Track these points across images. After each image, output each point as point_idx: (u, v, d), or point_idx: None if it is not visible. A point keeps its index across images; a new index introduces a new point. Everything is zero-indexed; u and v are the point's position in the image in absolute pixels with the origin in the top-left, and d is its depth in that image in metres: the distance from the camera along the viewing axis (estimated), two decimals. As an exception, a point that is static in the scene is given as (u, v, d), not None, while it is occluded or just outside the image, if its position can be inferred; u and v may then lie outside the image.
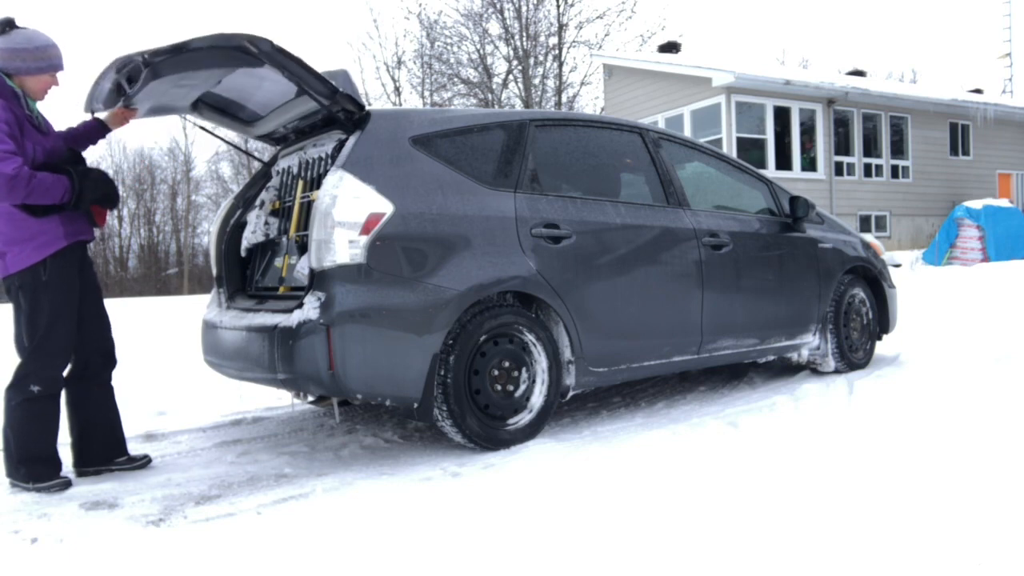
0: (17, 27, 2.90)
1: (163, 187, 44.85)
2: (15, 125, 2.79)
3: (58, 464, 2.97)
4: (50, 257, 2.88)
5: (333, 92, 3.05)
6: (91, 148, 3.27)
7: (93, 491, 2.90)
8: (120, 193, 3.15)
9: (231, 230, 3.84)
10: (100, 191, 2.96)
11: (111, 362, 3.21)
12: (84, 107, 3.37)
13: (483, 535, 2.21)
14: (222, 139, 4.07)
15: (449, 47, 24.96)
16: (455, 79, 25.16)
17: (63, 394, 3.07)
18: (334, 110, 3.11)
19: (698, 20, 53.27)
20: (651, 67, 16.67)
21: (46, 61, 2.90)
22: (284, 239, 3.62)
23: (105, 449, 3.18)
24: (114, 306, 3.35)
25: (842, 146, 16.00)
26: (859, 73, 20.65)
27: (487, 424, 3.22)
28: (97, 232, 3.14)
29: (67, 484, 2.94)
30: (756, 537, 2.09)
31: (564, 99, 25.10)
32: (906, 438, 3.03)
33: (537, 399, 3.36)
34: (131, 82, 3.06)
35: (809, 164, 15.58)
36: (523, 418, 3.33)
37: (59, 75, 2.99)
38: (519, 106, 24.09)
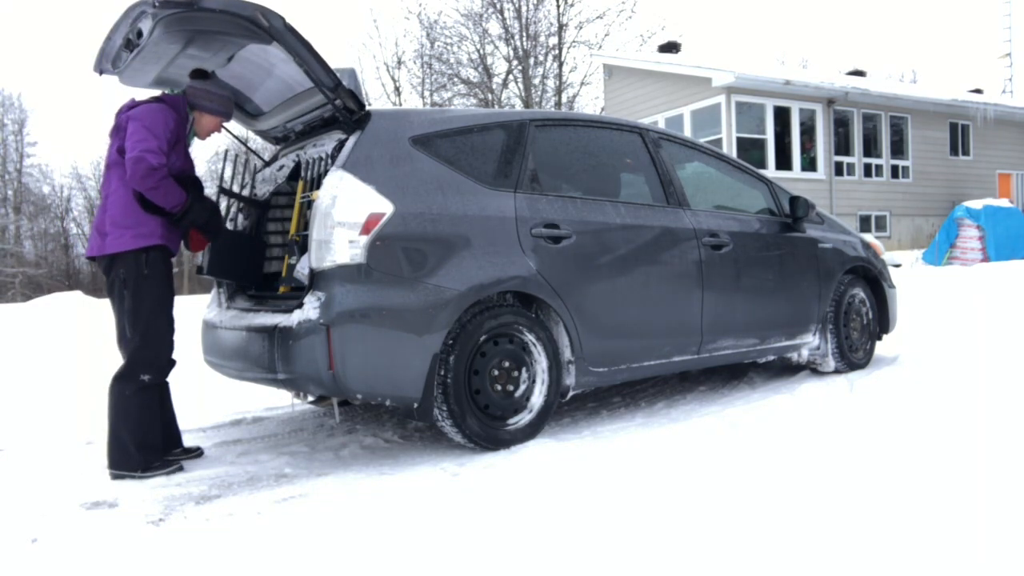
0: (211, 76, 3.38)
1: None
2: (174, 135, 3.14)
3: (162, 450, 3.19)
4: (151, 250, 3.09)
5: (336, 84, 3.05)
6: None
7: (93, 491, 2.89)
8: (222, 227, 3.43)
9: (231, 230, 3.84)
10: (202, 218, 3.22)
11: (172, 363, 3.33)
12: (93, 66, 3.40)
13: (483, 535, 2.21)
14: (228, 131, 4.06)
15: (449, 47, 24.99)
16: (455, 79, 25.17)
17: None
18: (335, 103, 3.11)
19: (698, 20, 53.27)
20: (651, 67, 16.67)
21: (224, 108, 3.35)
22: (284, 239, 3.62)
23: (166, 442, 3.32)
24: (114, 306, 3.34)
25: (842, 146, 16.00)
26: (859, 73, 20.64)
27: (487, 424, 3.22)
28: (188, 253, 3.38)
29: (180, 468, 3.14)
30: (756, 537, 2.09)
31: (564, 99, 25.10)
32: (906, 438, 3.03)
33: (537, 399, 3.36)
34: (140, 37, 3.12)
35: (809, 164, 15.58)
36: (523, 418, 3.33)
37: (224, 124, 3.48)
38: (519, 106, 24.08)
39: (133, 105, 3.18)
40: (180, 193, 3.10)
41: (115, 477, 3.03)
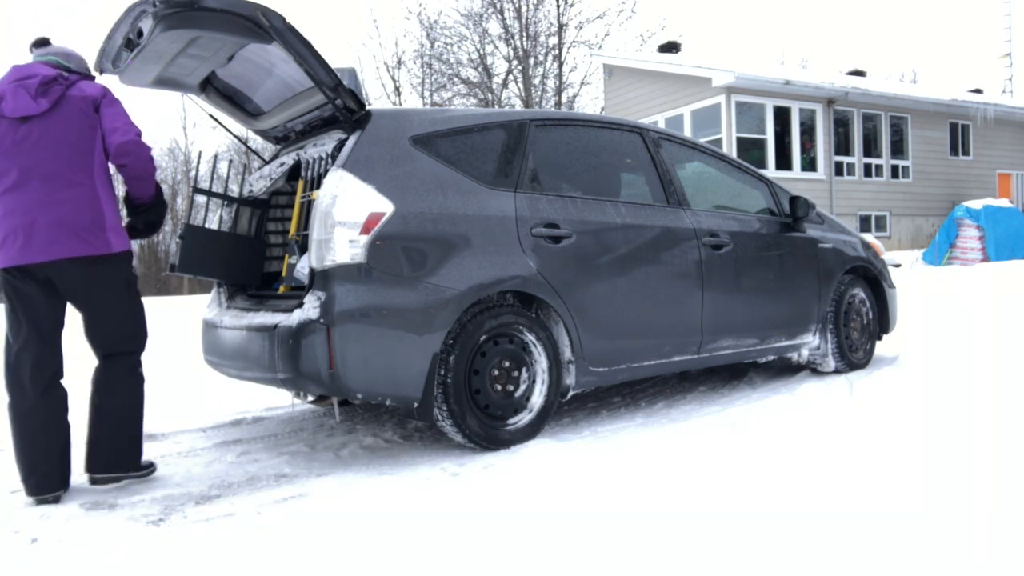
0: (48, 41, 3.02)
1: (163, 187, 44.93)
2: None
3: None
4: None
5: (336, 84, 3.05)
6: None
7: (93, 490, 2.89)
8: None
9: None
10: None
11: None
12: (94, 66, 3.38)
13: (483, 535, 2.21)
14: (228, 130, 4.07)
15: (449, 47, 24.98)
16: (455, 79, 25.17)
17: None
18: (335, 102, 3.11)
19: (698, 20, 53.25)
20: (651, 67, 16.68)
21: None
22: (284, 239, 3.62)
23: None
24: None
25: (842, 146, 16.00)
26: (859, 73, 20.63)
27: (487, 424, 3.22)
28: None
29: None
30: (756, 537, 2.08)
31: (564, 99, 25.10)
32: (906, 439, 3.03)
33: (537, 399, 3.36)
34: (141, 36, 3.11)
35: (809, 164, 15.58)
36: (523, 418, 3.33)
37: None
38: (519, 106, 24.08)
39: (57, 76, 2.76)
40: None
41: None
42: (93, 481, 2.90)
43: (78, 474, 3.08)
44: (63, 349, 2.88)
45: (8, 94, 2.69)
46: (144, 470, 3.00)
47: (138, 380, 2.97)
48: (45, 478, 2.72)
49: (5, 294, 2.72)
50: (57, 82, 2.73)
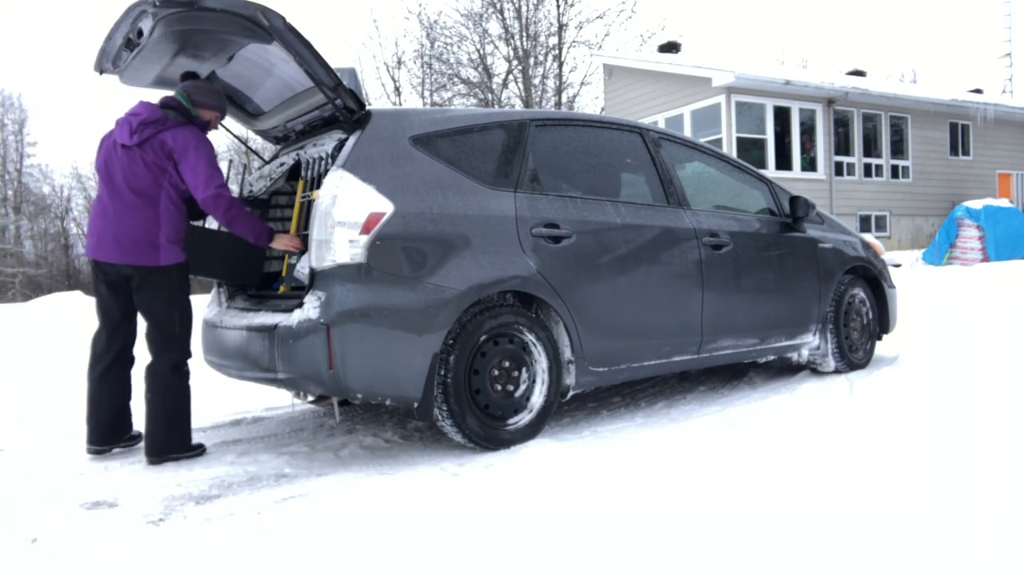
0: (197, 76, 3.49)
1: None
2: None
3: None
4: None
5: (336, 84, 3.05)
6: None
7: (93, 490, 2.90)
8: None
9: (231, 230, 3.83)
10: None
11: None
12: (94, 66, 3.41)
13: (483, 535, 2.21)
14: (228, 130, 4.06)
15: (449, 47, 25.00)
16: (455, 79, 25.18)
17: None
18: (335, 102, 3.11)
19: (698, 20, 53.29)
20: (651, 67, 16.68)
21: (222, 103, 3.47)
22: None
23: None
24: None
25: (842, 146, 16.00)
26: (859, 73, 20.64)
27: (487, 424, 3.22)
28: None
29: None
30: (756, 537, 2.08)
31: (564, 99, 25.11)
32: (906, 440, 3.03)
33: (537, 399, 3.36)
34: (141, 36, 3.14)
35: (809, 164, 15.58)
36: (523, 418, 3.33)
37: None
38: (519, 106, 24.08)
39: (159, 119, 3.19)
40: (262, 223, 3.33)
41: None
42: (150, 462, 3.26)
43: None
44: (136, 334, 3.40)
45: (121, 123, 3.25)
46: (194, 450, 3.35)
47: (181, 378, 3.31)
48: (99, 430, 3.32)
49: (92, 281, 3.37)
50: (155, 124, 3.21)
